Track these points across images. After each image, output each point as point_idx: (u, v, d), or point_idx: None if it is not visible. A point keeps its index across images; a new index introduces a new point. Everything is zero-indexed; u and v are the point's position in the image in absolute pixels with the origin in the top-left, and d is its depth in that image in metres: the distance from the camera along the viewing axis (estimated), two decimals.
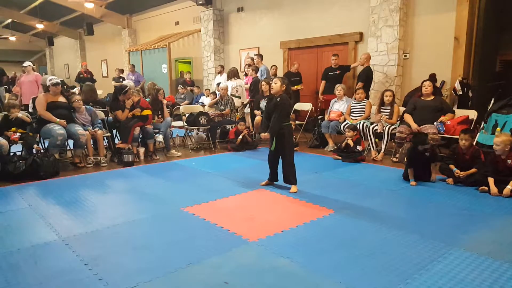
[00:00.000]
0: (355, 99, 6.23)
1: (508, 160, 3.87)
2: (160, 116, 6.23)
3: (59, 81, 5.39)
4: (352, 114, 6.13)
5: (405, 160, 4.59)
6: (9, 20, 16.68)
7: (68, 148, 5.74)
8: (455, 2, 6.10)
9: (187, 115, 6.84)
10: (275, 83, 4.05)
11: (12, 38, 18.28)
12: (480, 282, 2.23)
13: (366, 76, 6.65)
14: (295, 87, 7.41)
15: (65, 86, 9.83)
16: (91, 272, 2.40)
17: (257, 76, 7.65)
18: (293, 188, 4.07)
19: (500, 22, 6.96)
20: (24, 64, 7.77)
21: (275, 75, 7.75)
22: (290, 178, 4.10)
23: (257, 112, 7.08)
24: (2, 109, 5.32)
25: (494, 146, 3.94)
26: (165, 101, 6.49)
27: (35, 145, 5.03)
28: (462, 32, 6.07)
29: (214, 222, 3.22)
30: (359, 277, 2.31)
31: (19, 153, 5.18)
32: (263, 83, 7.15)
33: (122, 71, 12.06)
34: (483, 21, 6.32)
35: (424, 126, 5.14)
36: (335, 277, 2.31)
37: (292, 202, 3.76)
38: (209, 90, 9.53)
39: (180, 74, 11.60)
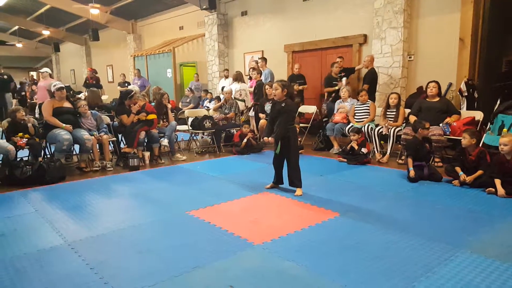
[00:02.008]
0: (358, 100, 6.21)
1: None
2: (165, 120, 6.26)
3: (63, 86, 5.43)
4: (356, 116, 6.11)
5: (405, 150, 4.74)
6: (16, 27, 16.89)
7: (74, 153, 5.78)
8: (460, 3, 6.08)
9: (191, 119, 6.86)
10: (276, 89, 4.00)
11: (19, 45, 18.48)
12: (487, 285, 2.20)
13: (371, 78, 6.64)
14: (301, 87, 7.40)
15: (71, 92, 9.90)
16: (96, 276, 2.41)
17: (261, 80, 7.67)
18: (298, 191, 4.05)
19: (506, 22, 6.91)
20: (41, 70, 7.89)
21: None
22: (295, 181, 4.08)
23: (261, 115, 7.08)
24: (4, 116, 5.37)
25: (501, 147, 3.89)
26: (169, 105, 6.52)
27: (40, 158, 5.06)
28: (467, 33, 6.04)
29: (219, 225, 3.22)
30: (364, 281, 2.29)
31: (26, 158, 5.22)
32: (267, 86, 7.18)
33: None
34: (488, 22, 6.28)
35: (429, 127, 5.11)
36: (341, 280, 2.30)
37: (297, 205, 3.74)
38: (212, 94, 9.56)
39: (194, 77, 10.99)
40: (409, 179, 4.46)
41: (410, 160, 4.55)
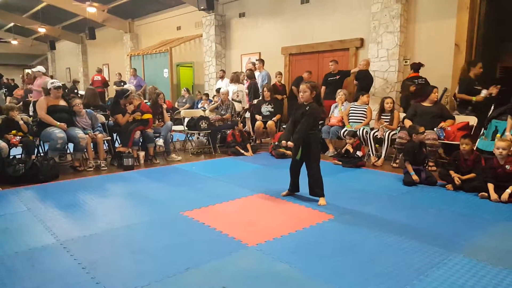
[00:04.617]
0: (355, 101, 6.21)
1: (506, 166, 3.87)
2: (160, 120, 6.24)
3: (60, 84, 5.41)
4: (351, 117, 6.11)
5: (403, 156, 4.74)
6: (11, 24, 16.75)
7: (68, 151, 5.73)
8: (456, 9, 6.13)
9: (187, 119, 6.84)
10: (304, 92, 3.71)
11: (14, 42, 18.31)
12: None
13: (364, 76, 6.66)
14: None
15: (66, 90, 9.83)
16: (88, 275, 2.39)
17: (254, 80, 7.75)
18: (322, 201, 3.78)
19: (501, 29, 6.98)
20: (35, 69, 7.84)
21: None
22: (317, 190, 3.83)
23: (258, 116, 7.10)
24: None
25: (499, 151, 3.90)
26: (165, 105, 6.50)
27: (33, 156, 5.01)
28: (463, 38, 6.09)
29: (213, 226, 3.21)
30: (358, 283, 2.29)
31: (19, 156, 5.18)
32: (264, 88, 7.19)
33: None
34: (484, 28, 6.33)
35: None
36: (334, 282, 2.30)
37: (292, 207, 3.74)
38: (208, 95, 9.49)
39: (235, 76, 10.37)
40: (404, 182, 4.48)
41: (409, 165, 4.53)
